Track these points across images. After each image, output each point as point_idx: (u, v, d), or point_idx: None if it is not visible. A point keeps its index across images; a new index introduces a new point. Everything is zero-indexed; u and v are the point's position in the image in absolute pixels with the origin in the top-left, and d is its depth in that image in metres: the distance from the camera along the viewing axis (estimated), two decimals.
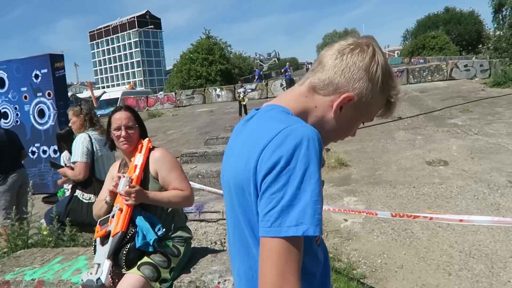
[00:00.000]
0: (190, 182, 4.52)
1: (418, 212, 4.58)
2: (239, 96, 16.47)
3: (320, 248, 0.96)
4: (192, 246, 3.37)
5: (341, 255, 3.78)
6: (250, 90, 23.49)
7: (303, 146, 0.75)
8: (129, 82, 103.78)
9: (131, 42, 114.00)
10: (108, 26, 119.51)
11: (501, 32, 21.74)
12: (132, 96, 27.75)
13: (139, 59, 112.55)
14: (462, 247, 3.60)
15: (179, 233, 2.39)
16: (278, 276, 0.72)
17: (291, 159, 0.75)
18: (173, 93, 27.02)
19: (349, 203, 5.10)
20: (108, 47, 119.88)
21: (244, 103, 15.84)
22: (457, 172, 5.92)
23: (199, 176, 4.72)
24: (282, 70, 32.29)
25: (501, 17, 22.72)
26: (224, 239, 3.47)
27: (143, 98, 27.20)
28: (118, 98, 27.60)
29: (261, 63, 65.16)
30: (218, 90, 25.58)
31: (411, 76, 20.97)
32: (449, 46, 42.55)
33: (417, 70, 21.31)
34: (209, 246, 3.34)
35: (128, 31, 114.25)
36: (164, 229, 2.25)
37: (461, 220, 2.17)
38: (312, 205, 0.73)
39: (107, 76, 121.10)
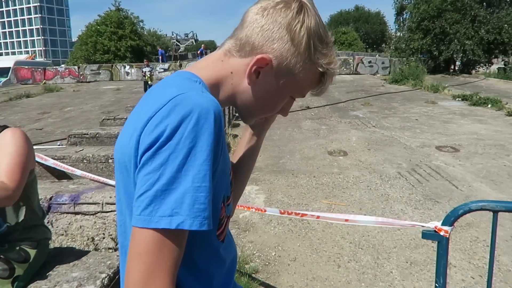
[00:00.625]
0: (71, 168, 3.96)
1: (316, 202, 4.62)
2: (144, 76, 15.88)
3: (226, 246, 0.83)
4: (58, 245, 2.89)
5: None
6: (162, 70, 22.40)
7: (192, 119, 0.61)
8: (28, 52, 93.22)
9: (30, 7, 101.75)
10: None
11: (401, 34, 23.76)
12: (27, 67, 24.65)
13: (40, 26, 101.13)
14: (353, 238, 3.66)
15: (29, 233, 1.94)
16: (143, 275, 0.59)
17: (175, 133, 0.60)
18: (76, 67, 24.62)
19: (250, 192, 4.97)
20: (1, 9, 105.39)
21: (151, 83, 15.14)
22: (354, 163, 6.16)
23: (84, 161, 4.16)
24: (198, 52, 31.45)
25: (401, 20, 24.80)
26: (103, 234, 3.05)
27: (40, 70, 24.32)
28: (9, 67, 24.33)
29: (177, 43, 62.85)
30: (127, 67, 23.93)
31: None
32: (357, 42, 45.46)
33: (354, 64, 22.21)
34: (80, 245, 2.89)
35: None
36: (5, 226, 1.79)
37: (346, 220, 2.10)
38: (192, 192, 0.60)
39: (1, 42, 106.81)
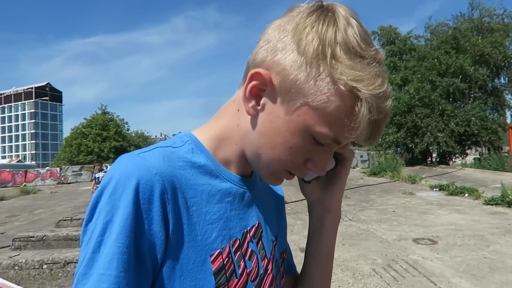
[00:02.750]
0: None
1: None
2: (97, 184, 10.54)
3: None
4: None
5: None
6: None
7: (109, 189, 0.51)
8: (18, 155, 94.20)
9: (25, 113, 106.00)
10: (1, 94, 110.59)
11: None
12: (8, 170, 24.50)
13: (33, 131, 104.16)
14: None
15: None
16: None
17: (95, 206, 0.52)
18: (58, 169, 24.56)
19: None
20: None
21: None
22: None
23: (15, 268, 3.72)
24: None
25: None
26: None
27: (21, 172, 24.15)
28: None
29: None
30: (109, 167, 23.97)
31: None
32: None
33: None
34: None
35: (23, 102, 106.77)
36: None
37: None
38: (95, 282, 0.48)
39: None
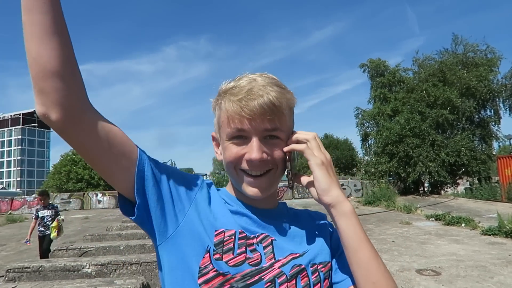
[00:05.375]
0: None
1: None
2: (38, 223, 8.01)
3: None
4: None
5: None
6: None
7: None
8: (1, 182, 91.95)
9: (11, 139, 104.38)
10: None
11: (369, 158, 24.99)
12: None
13: (19, 157, 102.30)
14: None
15: None
16: None
17: None
18: None
19: None
20: None
21: (54, 237, 7.64)
22: None
23: None
24: None
25: (367, 145, 26.39)
26: None
27: (7, 200, 23.49)
28: None
29: None
30: (99, 195, 23.51)
31: (295, 192, 22.09)
32: None
33: (301, 187, 22.61)
34: None
35: (10, 128, 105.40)
36: None
37: None
38: None
39: None
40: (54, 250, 6.04)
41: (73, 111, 0.69)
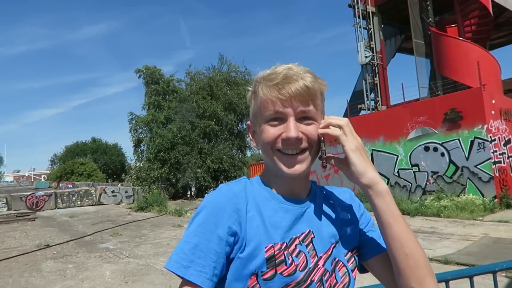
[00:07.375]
0: None
1: None
2: None
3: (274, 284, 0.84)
4: None
5: None
6: None
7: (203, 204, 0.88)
8: None
9: None
10: None
11: (141, 164, 25.13)
12: None
13: None
14: None
15: None
16: None
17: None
18: None
19: None
20: None
21: None
22: None
23: None
24: None
25: (140, 151, 26.50)
26: None
27: None
28: None
29: None
30: None
31: (59, 201, 19.92)
32: (97, 173, 44.57)
33: (66, 195, 20.60)
34: None
35: None
36: None
37: None
38: (180, 244, 0.83)
39: None
40: None
41: None
